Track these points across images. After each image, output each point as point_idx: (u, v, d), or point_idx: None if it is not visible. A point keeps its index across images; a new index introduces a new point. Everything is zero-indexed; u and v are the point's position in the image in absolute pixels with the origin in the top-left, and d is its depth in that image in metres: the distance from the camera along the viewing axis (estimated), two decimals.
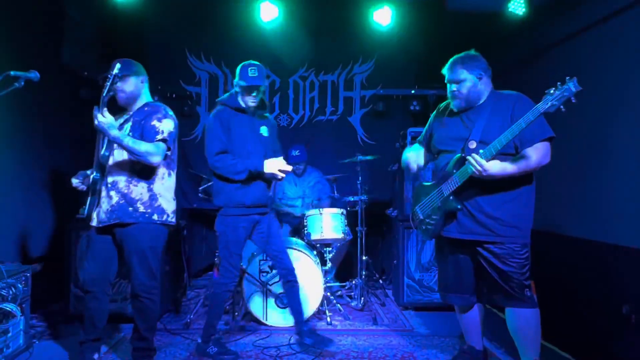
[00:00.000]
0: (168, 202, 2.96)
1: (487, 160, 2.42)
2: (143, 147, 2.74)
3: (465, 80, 2.62)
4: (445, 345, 3.48)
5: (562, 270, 3.47)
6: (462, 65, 2.63)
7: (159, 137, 2.82)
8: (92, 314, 2.91)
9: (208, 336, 3.19)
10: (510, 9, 4.84)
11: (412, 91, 5.51)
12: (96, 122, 2.67)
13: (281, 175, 3.22)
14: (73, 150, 4.41)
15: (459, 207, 2.62)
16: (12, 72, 2.36)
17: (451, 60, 2.70)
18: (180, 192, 5.43)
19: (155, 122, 2.85)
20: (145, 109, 2.93)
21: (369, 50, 5.64)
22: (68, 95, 4.50)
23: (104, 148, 2.83)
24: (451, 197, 2.64)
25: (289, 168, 3.26)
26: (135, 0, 4.81)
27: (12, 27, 3.70)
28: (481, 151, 2.44)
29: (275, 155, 3.32)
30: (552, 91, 2.26)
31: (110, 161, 2.86)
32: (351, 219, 4.54)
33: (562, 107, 2.25)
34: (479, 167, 2.42)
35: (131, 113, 2.95)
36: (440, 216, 2.71)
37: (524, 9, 4.82)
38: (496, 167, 2.45)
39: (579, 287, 3.29)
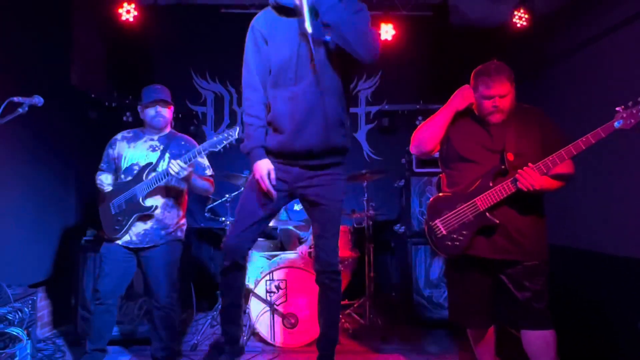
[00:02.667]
0: (185, 222, 3.32)
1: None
2: (207, 185, 3.21)
3: (509, 93, 2.50)
4: None
5: (574, 284, 3.40)
6: (507, 77, 2.48)
7: (208, 172, 3.28)
8: (101, 325, 3.13)
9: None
10: (513, 22, 4.85)
11: (417, 106, 5.49)
12: (185, 174, 2.92)
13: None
14: (80, 170, 4.42)
15: (497, 222, 2.49)
16: (14, 98, 2.37)
17: (492, 72, 2.51)
18: (187, 211, 5.44)
19: (199, 159, 3.19)
20: (182, 142, 3.23)
21: (374, 66, 5.61)
22: (77, 117, 4.53)
23: (151, 181, 3.03)
24: (487, 213, 2.51)
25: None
26: (140, 22, 4.89)
27: (22, 50, 3.75)
28: (532, 165, 2.37)
29: None
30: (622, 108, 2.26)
31: (151, 191, 3.08)
32: (358, 236, 4.51)
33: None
34: (532, 182, 2.35)
35: (157, 137, 3.23)
36: (472, 232, 2.54)
37: (526, 22, 4.84)
38: (547, 182, 2.42)
39: (591, 302, 3.22)
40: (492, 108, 2.52)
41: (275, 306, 3.79)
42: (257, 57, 2.68)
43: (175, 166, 2.89)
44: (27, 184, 3.78)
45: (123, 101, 4.98)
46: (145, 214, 3.07)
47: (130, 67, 5.48)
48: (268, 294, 3.83)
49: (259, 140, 2.64)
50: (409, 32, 5.39)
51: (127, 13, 4.82)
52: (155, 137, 3.24)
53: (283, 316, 3.77)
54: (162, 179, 3.01)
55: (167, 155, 3.15)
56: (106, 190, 3.18)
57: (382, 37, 5.23)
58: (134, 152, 3.18)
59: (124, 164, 3.17)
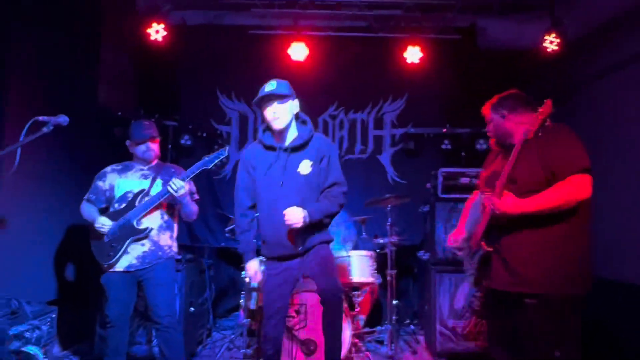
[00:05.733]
0: (176, 242, 3.42)
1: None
2: (195, 208, 3.32)
3: (491, 120, 2.64)
4: None
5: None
6: (491, 105, 2.65)
7: (196, 197, 3.36)
8: (117, 343, 3.23)
9: None
10: (543, 46, 4.76)
11: (444, 130, 5.40)
12: (182, 191, 3.03)
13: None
14: None
15: (489, 249, 2.49)
16: (40, 118, 2.37)
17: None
18: (207, 231, 5.42)
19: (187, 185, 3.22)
20: (172, 170, 3.35)
21: (400, 89, 5.60)
22: (102, 134, 4.58)
23: (145, 204, 3.15)
24: (483, 242, 2.51)
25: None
26: (169, 42, 4.94)
27: (52, 69, 3.81)
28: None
29: None
30: None
31: (145, 214, 3.18)
32: (381, 262, 4.40)
33: None
34: (496, 204, 2.33)
35: (148, 168, 3.33)
36: (477, 261, 2.56)
37: (557, 47, 4.74)
38: (509, 203, 2.31)
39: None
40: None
41: (294, 331, 3.69)
42: None
43: (175, 184, 3.02)
44: (50, 201, 3.80)
45: (149, 119, 5.01)
46: (139, 237, 3.15)
47: (157, 86, 5.54)
48: (287, 319, 3.73)
49: None
50: (436, 55, 5.33)
51: (156, 33, 4.87)
52: (146, 168, 3.35)
53: (301, 342, 3.67)
54: (157, 201, 3.14)
55: (158, 180, 3.26)
56: (106, 231, 3.17)
57: (409, 60, 5.18)
58: (126, 181, 3.29)
59: (118, 193, 3.26)
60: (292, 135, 2.84)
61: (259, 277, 3.00)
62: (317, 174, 2.77)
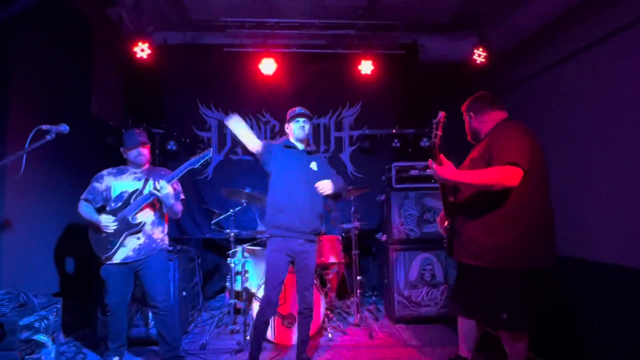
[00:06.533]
0: (167, 235, 3.33)
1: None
2: (179, 207, 3.21)
3: (466, 119, 2.74)
4: (437, 356, 3.31)
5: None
6: (464, 106, 2.75)
7: (182, 197, 3.26)
8: (118, 328, 3.18)
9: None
10: (473, 58, 4.88)
11: (393, 130, 5.46)
12: (165, 191, 2.98)
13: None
14: None
15: (444, 224, 2.69)
16: (43, 126, 2.24)
17: None
18: (194, 224, 5.29)
19: (175, 185, 3.19)
20: (162, 172, 3.23)
21: (356, 96, 5.62)
22: (96, 142, 4.37)
23: (138, 202, 3.08)
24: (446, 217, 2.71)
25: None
26: (153, 59, 4.78)
27: (49, 84, 3.62)
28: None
29: None
30: None
31: (139, 210, 3.10)
32: (345, 244, 4.41)
33: None
34: (434, 168, 2.47)
35: (140, 171, 3.22)
36: (446, 235, 2.72)
37: (485, 59, 4.87)
38: (447, 170, 2.44)
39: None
40: None
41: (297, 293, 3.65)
42: None
43: (159, 184, 2.98)
44: (51, 202, 3.62)
45: (137, 128, 4.83)
46: (134, 230, 3.07)
47: (143, 98, 5.34)
48: None
49: None
50: (385, 68, 5.37)
51: (142, 51, 4.69)
52: (139, 171, 3.23)
53: (283, 317, 3.63)
54: (148, 199, 3.06)
55: (150, 182, 3.14)
56: (109, 230, 3.06)
57: (363, 72, 5.21)
58: (121, 182, 3.18)
59: (114, 193, 3.14)
60: (305, 145, 3.18)
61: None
62: (320, 172, 3.11)
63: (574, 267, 3.03)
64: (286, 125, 3.19)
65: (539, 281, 2.45)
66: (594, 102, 3.29)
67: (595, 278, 2.90)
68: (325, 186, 2.94)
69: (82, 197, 3.18)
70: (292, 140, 3.15)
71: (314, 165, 3.13)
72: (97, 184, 3.20)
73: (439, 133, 2.46)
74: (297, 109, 3.16)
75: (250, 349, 2.99)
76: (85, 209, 3.15)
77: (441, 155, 2.48)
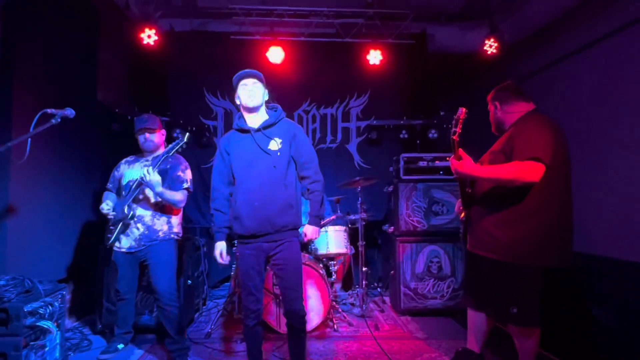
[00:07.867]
0: (179, 225, 3.21)
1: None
2: (177, 196, 3.01)
3: (491, 109, 2.65)
4: (443, 349, 3.27)
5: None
6: (489, 97, 2.64)
7: (185, 185, 3.10)
8: (125, 314, 3.23)
9: None
10: (484, 49, 4.77)
11: (401, 121, 5.38)
12: (148, 177, 2.82)
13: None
14: (104, 178, 4.21)
15: (461, 216, 2.64)
16: (48, 110, 2.19)
17: None
18: (199, 213, 5.25)
19: (180, 173, 3.10)
20: (170, 159, 3.02)
21: (364, 86, 5.53)
22: (101, 129, 4.33)
23: (132, 190, 3.00)
24: (462, 208, 2.68)
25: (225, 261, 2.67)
26: (159, 46, 4.71)
27: (56, 70, 3.56)
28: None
29: None
30: None
31: (139, 199, 3.06)
32: (351, 235, 4.36)
33: None
34: (455, 166, 2.40)
35: (150, 159, 3.12)
36: (463, 227, 2.69)
37: (496, 50, 4.76)
38: (465, 165, 2.37)
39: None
40: None
41: (280, 297, 3.61)
42: None
43: (144, 170, 2.84)
44: (56, 189, 3.57)
45: (147, 113, 4.79)
46: (125, 221, 3.01)
47: (149, 85, 5.30)
48: (274, 287, 3.65)
49: None
50: (394, 57, 5.28)
51: (148, 38, 4.61)
52: (150, 159, 3.16)
53: (276, 296, 3.58)
54: (139, 187, 2.98)
55: (145, 169, 3.00)
56: (110, 216, 3.05)
57: (371, 62, 5.12)
58: (131, 171, 3.16)
59: (124, 182, 3.15)
60: (263, 118, 2.59)
61: (225, 257, 2.62)
62: (287, 149, 2.52)
63: (586, 263, 2.96)
64: (235, 96, 2.59)
65: (551, 277, 2.39)
66: (611, 96, 3.19)
67: (606, 274, 2.84)
68: (311, 234, 2.62)
69: (107, 186, 3.25)
70: (243, 116, 2.59)
71: (273, 145, 2.51)
72: (115, 172, 3.26)
73: (458, 130, 2.35)
74: (242, 71, 2.54)
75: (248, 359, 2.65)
76: (103, 197, 3.19)
77: (460, 149, 2.39)
